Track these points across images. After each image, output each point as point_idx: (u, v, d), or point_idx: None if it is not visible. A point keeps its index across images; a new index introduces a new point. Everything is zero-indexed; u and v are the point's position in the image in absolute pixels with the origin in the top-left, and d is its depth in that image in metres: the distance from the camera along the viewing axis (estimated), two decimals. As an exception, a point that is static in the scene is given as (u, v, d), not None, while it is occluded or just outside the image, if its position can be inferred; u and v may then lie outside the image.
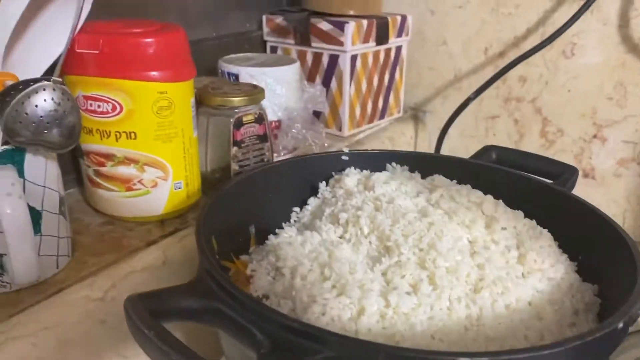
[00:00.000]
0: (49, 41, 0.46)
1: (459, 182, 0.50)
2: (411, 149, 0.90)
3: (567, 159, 0.81)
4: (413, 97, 0.93)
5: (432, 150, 0.90)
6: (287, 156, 0.70)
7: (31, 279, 0.41)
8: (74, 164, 0.58)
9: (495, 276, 0.38)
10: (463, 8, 0.85)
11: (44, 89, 0.38)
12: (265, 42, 0.83)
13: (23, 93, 0.37)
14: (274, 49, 0.83)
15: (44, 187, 0.44)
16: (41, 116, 0.38)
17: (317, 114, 0.79)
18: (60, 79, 0.39)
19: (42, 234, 0.44)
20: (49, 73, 0.43)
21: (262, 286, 0.41)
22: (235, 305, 0.32)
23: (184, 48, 0.51)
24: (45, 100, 0.38)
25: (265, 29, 0.82)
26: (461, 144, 0.90)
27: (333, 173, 0.54)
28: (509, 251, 0.41)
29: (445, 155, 0.62)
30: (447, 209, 0.44)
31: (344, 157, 0.54)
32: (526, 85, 0.82)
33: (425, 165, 0.53)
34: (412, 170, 0.53)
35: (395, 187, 0.48)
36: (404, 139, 0.87)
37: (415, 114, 0.93)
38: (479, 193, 0.46)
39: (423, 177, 0.52)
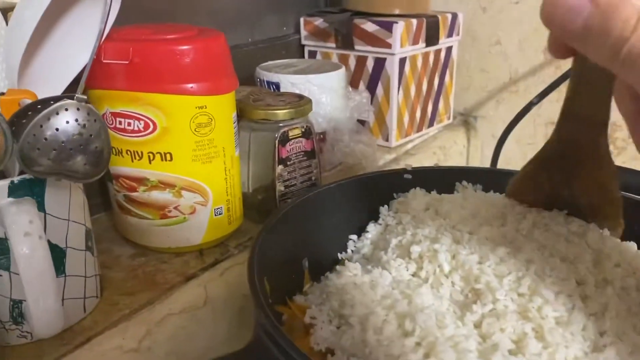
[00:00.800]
0: (72, 51, 0.40)
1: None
2: (464, 159, 0.83)
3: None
4: (463, 102, 0.86)
5: (486, 160, 0.82)
6: (332, 172, 0.63)
7: (54, 330, 0.35)
8: (101, 186, 0.52)
9: (618, 329, 0.31)
10: (520, 3, 0.77)
11: (66, 109, 0.31)
12: (303, 46, 0.77)
13: (41, 114, 0.31)
14: (312, 54, 0.76)
15: (68, 220, 0.38)
16: (63, 141, 0.32)
17: (361, 123, 0.73)
18: (84, 97, 0.33)
19: (66, 275, 0.38)
20: (71, 89, 0.37)
21: (325, 338, 0.34)
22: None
23: (224, 56, 0.45)
24: (67, 122, 0.32)
25: (303, 32, 0.76)
26: (518, 153, 0.82)
27: (395, 195, 0.47)
28: (628, 294, 0.33)
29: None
30: (544, 242, 0.36)
31: (407, 176, 0.47)
32: (592, 87, 0.74)
33: (502, 183, 0.46)
34: (486, 190, 0.46)
35: (472, 212, 0.41)
36: (456, 149, 0.80)
37: (466, 120, 0.86)
38: (580, 222, 0.38)
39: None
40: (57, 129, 0.31)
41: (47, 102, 0.33)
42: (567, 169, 0.37)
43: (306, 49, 0.77)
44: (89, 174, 0.33)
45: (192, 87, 0.42)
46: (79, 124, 0.32)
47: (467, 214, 0.41)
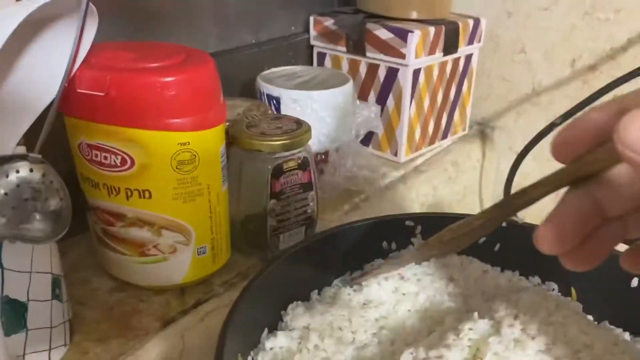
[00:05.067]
0: (47, 74, 0.36)
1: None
2: (477, 175, 0.78)
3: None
4: (480, 111, 0.80)
5: (501, 175, 0.77)
6: (332, 194, 0.59)
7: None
8: (82, 207, 0.48)
9: None
10: (549, 10, 0.71)
11: (17, 171, 0.28)
12: (312, 47, 0.72)
13: (-11, 177, 0.27)
14: (321, 56, 0.71)
15: (30, 272, 0.34)
16: (13, 207, 0.28)
17: (369, 134, 0.68)
18: (39, 156, 0.29)
19: (28, 329, 0.35)
20: (40, 122, 0.33)
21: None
22: None
23: (213, 86, 0.40)
24: (18, 186, 0.28)
25: (313, 33, 0.70)
26: (536, 170, 0.77)
27: (392, 244, 0.43)
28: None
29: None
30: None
31: (408, 222, 0.43)
32: (622, 107, 0.69)
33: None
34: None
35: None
36: (470, 164, 0.75)
37: (483, 130, 0.80)
38: (589, 320, 0.34)
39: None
40: (5, 194, 0.28)
41: (-2, 159, 0.29)
42: None
43: (315, 50, 0.71)
44: (47, 237, 0.30)
45: (174, 123, 0.38)
46: (31, 187, 0.28)
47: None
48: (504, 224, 0.39)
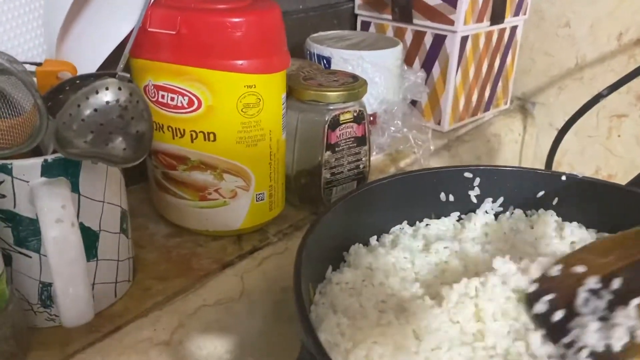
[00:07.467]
0: (115, 19, 0.37)
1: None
2: (518, 148, 0.78)
3: None
4: (521, 86, 0.80)
5: (540, 151, 0.77)
6: (379, 156, 0.59)
7: (83, 320, 0.33)
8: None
9: None
10: (596, -17, 0.71)
11: (107, 88, 0.28)
12: (356, 16, 0.72)
13: (80, 93, 0.28)
14: (365, 25, 0.71)
15: (103, 202, 0.35)
16: (101, 124, 0.29)
17: (412, 103, 0.68)
18: (127, 75, 0.29)
19: (98, 259, 0.36)
20: (114, 59, 0.34)
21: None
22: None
23: (278, 31, 0.41)
24: (107, 102, 0.29)
25: (357, 1, 0.71)
26: (576, 145, 0.77)
27: (449, 196, 0.43)
28: None
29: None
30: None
31: (467, 174, 0.43)
32: (669, 81, 0.68)
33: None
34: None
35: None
36: (512, 137, 0.75)
37: (523, 105, 0.80)
38: None
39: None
40: (95, 110, 0.28)
41: (87, 78, 0.30)
42: None
43: (359, 19, 0.72)
44: (129, 159, 0.31)
45: (241, 64, 0.39)
46: (119, 105, 0.29)
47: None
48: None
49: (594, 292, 0.29)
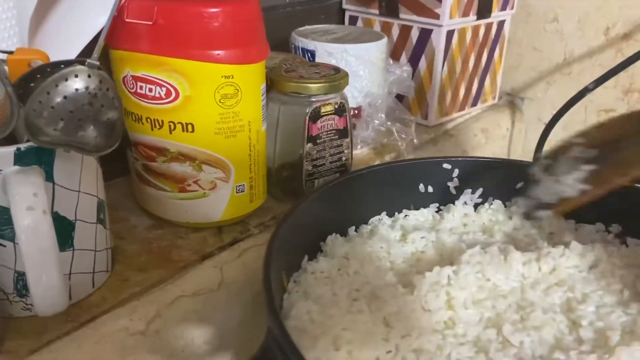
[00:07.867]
0: (91, 9, 0.37)
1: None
2: (506, 144, 0.78)
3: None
4: (510, 81, 0.80)
5: (529, 145, 0.77)
6: (364, 149, 0.59)
7: (57, 308, 0.33)
8: (121, 149, 0.49)
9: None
10: (583, -22, 0.71)
11: (76, 76, 0.28)
12: (343, 11, 0.72)
13: (49, 80, 0.28)
14: (353, 20, 0.71)
15: (79, 192, 0.35)
16: (71, 111, 0.29)
17: (399, 98, 0.68)
18: (97, 63, 0.29)
19: (74, 249, 0.36)
20: (89, 49, 0.34)
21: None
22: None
23: (256, 21, 0.41)
24: (77, 90, 0.29)
25: (345, -4, 0.71)
26: (565, 140, 0.77)
27: (428, 187, 0.43)
28: None
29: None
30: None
31: (446, 165, 0.43)
32: (656, 75, 0.68)
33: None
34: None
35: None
36: (499, 132, 0.75)
37: (512, 101, 0.80)
38: None
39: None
40: (65, 97, 0.28)
41: (57, 65, 0.30)
42: None
43: (347, 14, 0.72)
44: (100, 146, 0.31)
45: (218, 55, 0.39)
46: (89, 93, 0.29)
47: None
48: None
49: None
